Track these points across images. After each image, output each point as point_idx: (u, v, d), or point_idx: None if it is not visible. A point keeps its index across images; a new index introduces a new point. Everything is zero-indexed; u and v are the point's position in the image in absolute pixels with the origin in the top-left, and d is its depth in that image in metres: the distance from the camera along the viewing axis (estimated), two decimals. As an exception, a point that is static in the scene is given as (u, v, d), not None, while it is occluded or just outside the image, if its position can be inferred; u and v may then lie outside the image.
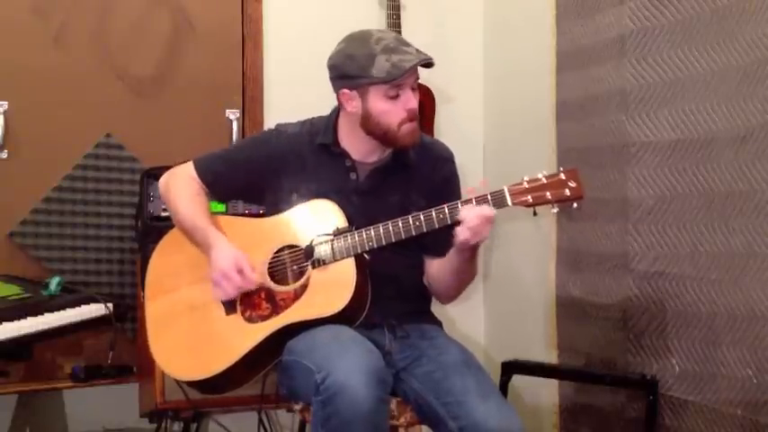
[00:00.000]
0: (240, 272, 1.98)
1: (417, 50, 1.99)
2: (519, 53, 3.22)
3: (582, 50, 2.75)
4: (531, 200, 1.85)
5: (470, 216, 1.84)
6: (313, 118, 2.19)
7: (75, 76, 2.93)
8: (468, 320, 3.34)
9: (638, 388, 2.46)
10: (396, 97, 1.99)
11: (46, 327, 2.24)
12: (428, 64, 1.99)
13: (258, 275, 2.00)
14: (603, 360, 2.66)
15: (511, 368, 2.66)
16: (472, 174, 3.31)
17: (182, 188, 2.13)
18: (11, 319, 2.17)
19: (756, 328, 2.13)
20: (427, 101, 3.11)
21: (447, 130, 3.19)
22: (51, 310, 2.30)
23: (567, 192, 1.85)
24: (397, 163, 2.10)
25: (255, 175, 2.13)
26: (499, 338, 3.35)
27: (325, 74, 3.11)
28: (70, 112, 2.91)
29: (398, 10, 3.12)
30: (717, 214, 2.24)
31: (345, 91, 2.04)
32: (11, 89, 2.86)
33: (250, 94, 3.16)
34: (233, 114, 3.13)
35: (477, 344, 3.38)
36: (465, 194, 1.93)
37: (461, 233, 1.85)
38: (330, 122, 2.13)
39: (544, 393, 2.93)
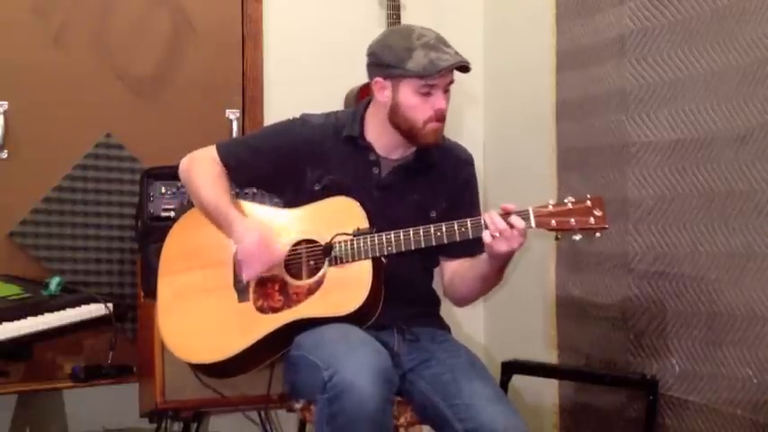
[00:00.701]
0: (267, 246, 1.98)
1: (457, 52, 1.98)
2: (519, 53, 3.22)
3: (582, 50, 2.75)
4: (554, 224, 1.84)
5: (502, 224, 1.84)
6: (338, 111, 2.19)
7: (75, 76, 2.92)
8: (469, 320, 3.33)
9: (638, 388, 2.46)
10: (427, 95, 1.99)
11: (46, 327, 2.24)
12: (465, 68, 1.99)
13: (281, 254, 2.00)
14: (603, 360, 2.66)
15: (511, 368, 2.66)
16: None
17: (204, 170, 2.12)
18: (11, 319, 2.17)
19: (756, 328, 2.13)
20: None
21: (447, 129, 3.18)
22: (51, 310, 2.30)
23: (592, 220, 1.83)
24: (419, 162, 2.11)
25: (278, 163, 2.12)
26: (499, 338, 3.35)
27: (326, 73, 3.11)
28: (70, 112, 2.91)
29: (398, 10, 3.11)
30: (717, 214, 2.24)
31: (379, 79, 2.03)
32: (11, 89, 2.85)
33: (250, 94, 3.16)
34: (233, 114, 3.13)
35: (478, 344, 3.37)
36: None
37: (487, 238, 1.85)
38: (357, 116, 2.12)
39: (544, 393, 2.93)
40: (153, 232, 2.56)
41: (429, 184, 2.12)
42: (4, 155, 2.86)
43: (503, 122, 3.34)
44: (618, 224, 2.57)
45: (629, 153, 2.52)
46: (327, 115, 2.17)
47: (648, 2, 2.44)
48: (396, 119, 2.04)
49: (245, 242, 1.99)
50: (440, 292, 2.21)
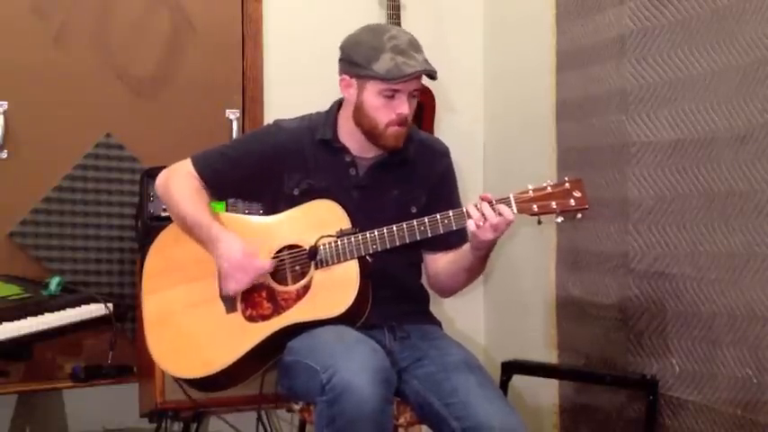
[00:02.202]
0: (252, 259, 1.97)
1: (426, 60, 1.98)
2: (519, 53, 3.22)
3: (582, 50, 2.75)
4: (536, 209, 1.86)
5: (489, 212, 1.85)
6: (311, 114, 2.19)
7: (75, 76, 2.92)
8: (468, 320, 3.33)
9: (638, 388, 2.46)
10: (390, 98, 1.99)
11: (46, 327, 2.24)
12: (431, 76, 1.98)
13: (267, 265, 2.00)
14: (603, 360, 2.66)
15: (511, 368, 2.66)
16: (473, 173, 3.32)
17: (181, 185, 2.11)
18: (11, 319, 2.16)
19: (756, 328, 2.13)
20: (427, 100, 3.11)
21: (447, 129, 3.19)
22: (51, 310, 2.30)
23: (572, 202, 1.86)
24: (395, 158, 2.11)
25: (256, 170, 2.12)
26: (499, 338, 3.35)
27: (326, 73, 3.11)
28: (70, 112, 2.91)
29: (398, 10, 3.11)
30: (717, 214, 2.24)
31: (345, 77, 2.05)
32: (11, 89, 2.85)
33: (250, 94, 3.16)
34: (233, 114, 3.12)
35: (478, 344, 3.37)
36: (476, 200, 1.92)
37: (471, 227, 1.86)
38: (330, 118, 2.13)
39: (544, 393, 2.93)
40: (153, 232, 2.54)
41: (407, 179, 2.12)
42: (4, 155, 2.86)
43: (503, 122, 3.34)
44: (618, 224, 2.57)
45: (629, 153, 2.52)
46: (302, 119, 2.17)
47: (648, 2, 2.44)
48: (359, 118, 2.05)
49: (229, 257, 1.98)
50: (427, 286, 2.22)
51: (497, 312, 3.37)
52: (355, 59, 2.00)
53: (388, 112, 2.00)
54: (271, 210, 2.13)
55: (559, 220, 1.89)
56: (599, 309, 2.68)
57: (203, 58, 3.09)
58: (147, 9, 3.03)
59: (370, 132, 2.04)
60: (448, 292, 2.17)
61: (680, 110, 2.35)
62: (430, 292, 2.22)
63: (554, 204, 1.86)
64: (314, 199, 2.05)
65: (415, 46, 1.99)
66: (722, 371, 2.23)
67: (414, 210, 2.09)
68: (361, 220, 1.99)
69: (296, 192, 2.08)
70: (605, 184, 2.61)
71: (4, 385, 2.69)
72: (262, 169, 2.11)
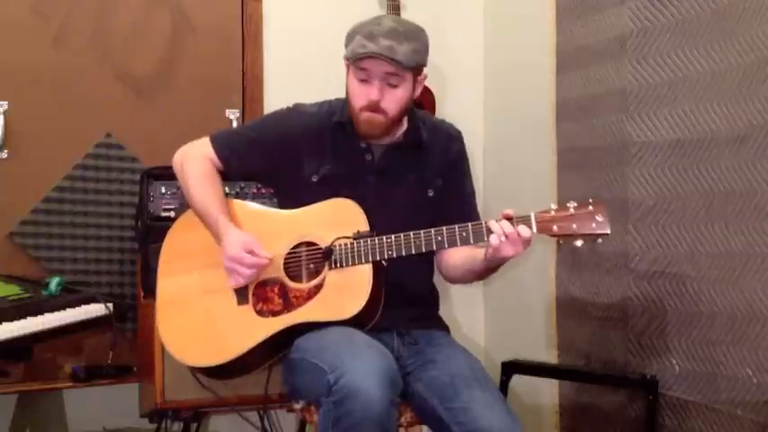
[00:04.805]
0: (250, 252, 1.98)
1: (391, 47, 1.93)
2: (519, 53, 3.22)
3: (582, 50, 2.75)
4: (556, 230, 1.83)
5: (509, 228, 1.83)
6: (330, 100, 2.20)
7: (75, 76, 2.92)
8: (469, 320, 3.34)
9: (638, 388, 2.47)
10: (364, 82, 2.00)
11: (46, 327, 2.24)
12: (398, 63, 1.95)
13: (272, 259, 2.00)
14: (603, 360, 2.66)
15: (511, 368, 2.66)
16: (472, 173, 3.31)
17: (196, 169, 2.12)
18: (11, 319, 2.16)
19: (756, 328, 2.13)
20: (427, 99, 3.11)
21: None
22: (51, 310, 2.30)
23: (594, 225, 1.81)
24: (409, 142, 2.12)
25: (275, 153, 2.12)
26: (499, 338, 3.35)
27: (326, 72, 3.11)
28: (70, 112, 2.91)
29: (398, 10, 3.11)
30: (717, 214, 2.24)
31: (345, 61, 2.08)
32: (11, 89, 2.85)
33: (250, 94, 3.16)
34: (233, 114, 3.12)
35: (478, 344, 3.37)
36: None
37: (494, 241, 1.83)
38: (347, 102, 2.13)
39: (544, 393, 2.93)
40: (153, 232, 2.56)
41: (422, 163, 2.13)
42: (4, 155, 2.86)
43: (503, 122, 3.34)
44: (618, 224, 2.56)
45: (629, 153, 2.52)
46: (321, 104, 2.18)
47: (649, 2, 2.44)
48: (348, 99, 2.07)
49: (228, 252, 1.99)
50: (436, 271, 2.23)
51: (497, 312, 3.37)
52: (345, 44, 2.04)
53: (362, 96, 2.01)
54: (288, 196, 2.13)
55: (579, 243, 1.83)
56: (599, 309, 2.68)
57: (203, 58, 3.09)
58: (147, 9, 3.03)
59: (353, 117, 2.05)
60: (456, 282, 2.20)
61: (680, 110, 2.35)
62: (439, 287, 2.23)
63: (575, 226, 1.81)
64: (333, 186, 2.05)
65: (392, 33, 1.95)
66: (722, 371, 2.23)
67: (430, 193, 2.10)
68: (378, 205, 1.99)
69: (314, 179, 2.08)
70: (605, 184, 2.61)
71: (4, 385, 2.69)
72: (281, 151, 2.11)
